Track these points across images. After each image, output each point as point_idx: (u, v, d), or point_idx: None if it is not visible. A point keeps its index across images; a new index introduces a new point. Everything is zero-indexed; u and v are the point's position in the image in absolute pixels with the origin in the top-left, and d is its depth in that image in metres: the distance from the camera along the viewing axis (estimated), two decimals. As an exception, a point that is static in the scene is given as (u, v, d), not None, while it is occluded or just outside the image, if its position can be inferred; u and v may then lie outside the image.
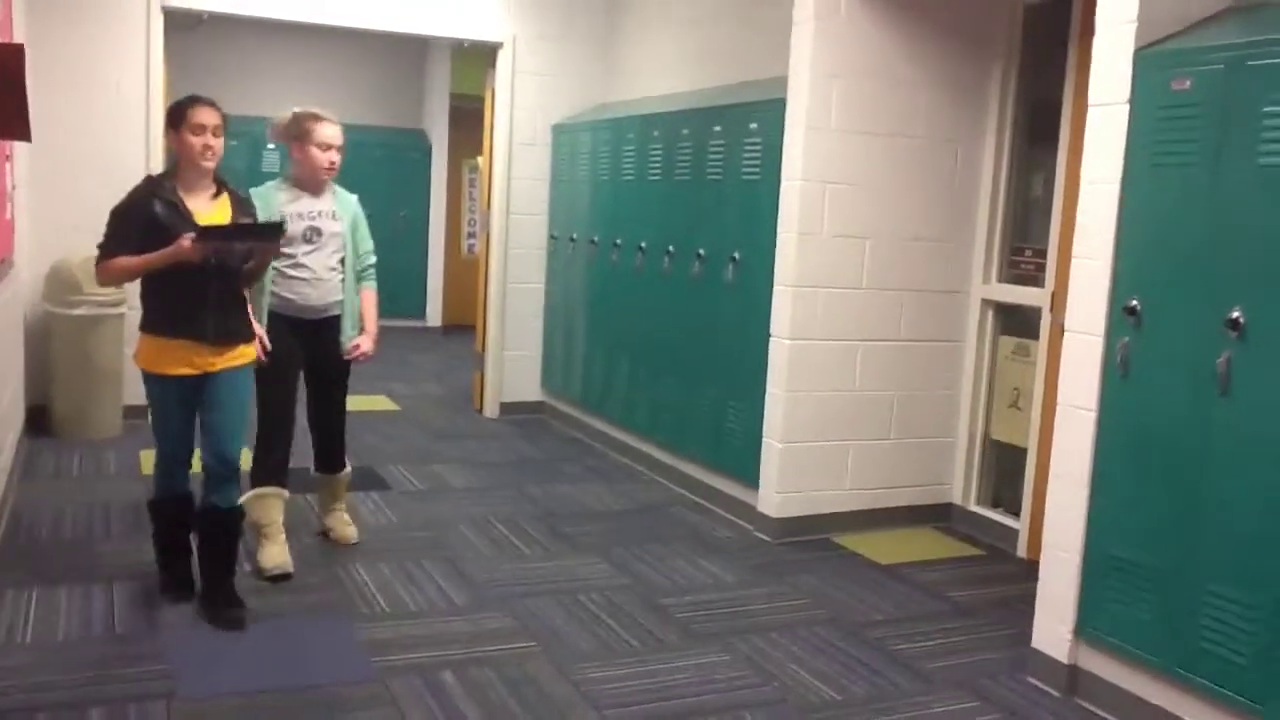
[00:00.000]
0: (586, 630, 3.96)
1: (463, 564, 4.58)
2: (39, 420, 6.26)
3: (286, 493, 4.43)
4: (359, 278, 4.52)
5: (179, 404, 3.81)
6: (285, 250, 4.17)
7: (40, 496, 5.15)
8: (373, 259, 4.57)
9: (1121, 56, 3.40)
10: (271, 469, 4.38)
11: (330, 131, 4.36)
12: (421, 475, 5.99)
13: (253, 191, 4.16)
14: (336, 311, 4.43)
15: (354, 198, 4.55)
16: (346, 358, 4.48)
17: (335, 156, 4.37)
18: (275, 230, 3.88)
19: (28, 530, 4.68)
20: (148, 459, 5.69)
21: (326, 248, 4.38)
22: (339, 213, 4.43)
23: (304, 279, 4.34)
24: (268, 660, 3.57)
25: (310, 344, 4.40)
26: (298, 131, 4.35)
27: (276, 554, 4.29)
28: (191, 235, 3.55)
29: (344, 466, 4.78)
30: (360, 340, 4.48)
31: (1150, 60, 3.34)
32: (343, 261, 4.42)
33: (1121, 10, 3.41)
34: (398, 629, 3.87)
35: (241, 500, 4.05)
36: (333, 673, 3.49)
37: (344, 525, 4.77)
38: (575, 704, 3.37)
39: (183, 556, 4.01)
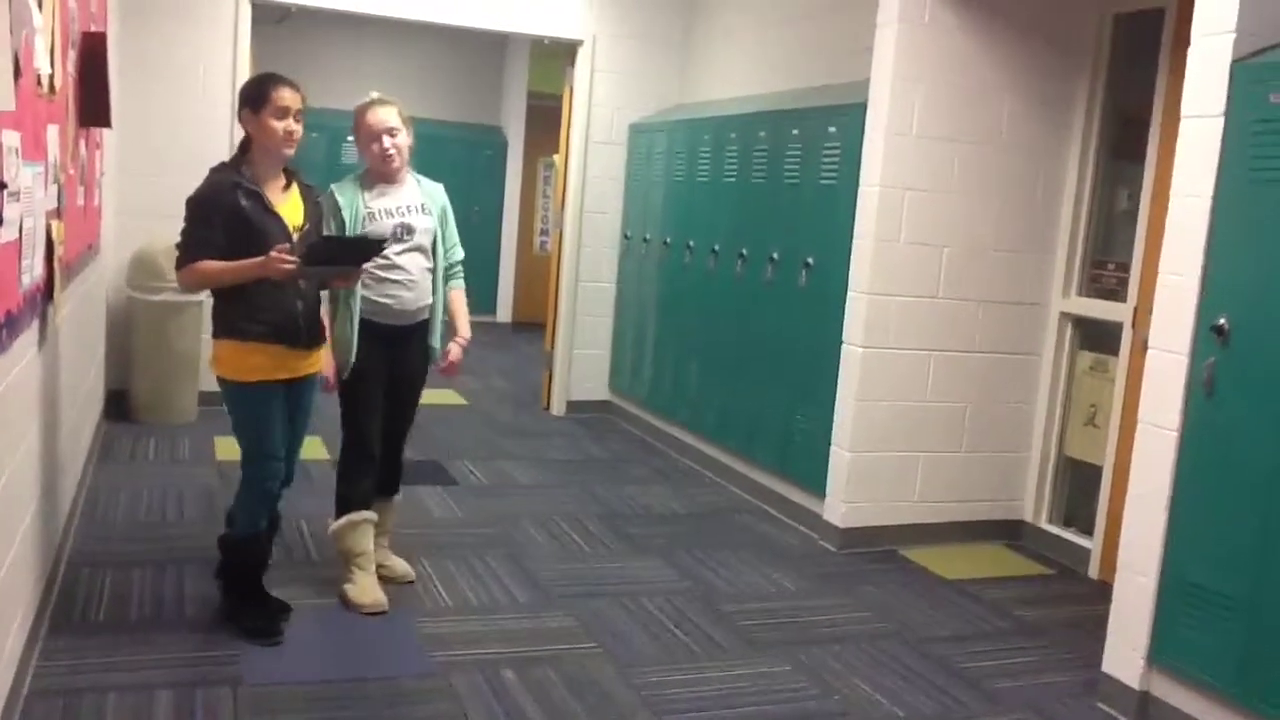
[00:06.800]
0: (648, 634, 3.94)
1: (526, 561, 4.59)
2: (118, 404, 6.40)
3: (376, 516, 4.05)
4: (447, 276, 4.09)
5: (280, 414, 3.54)
6: None
7: (117, 479, 5.25)
8: (460, 254, 4.14)
9: (1217, 68, 3.31)
10: (364, 494, 3.99)
11: (376, 116, 3.85)
12: (487, 471, 6.02)
13: (333, 187, 3.88)
14: (425, 316, 3.99)
15: (439, 187, 4.09)
16: (438, 368, 4.06)
17: (386, 142, 3.84)
18: (378, 248, 3.60)
19: (104, 512, 4.77)
20: (222, 445, 5.82)
21: (419, 245, 3.92)
22: (428, 204, 3.98)
23: (399, 281, 3.86)
24: (331, 650, 3.60)
25: (391, 353, 3.94)
26: (354, 124, 3.92)
27: (374, 589, 3.95)
28: (286, 253, 3.28)
29: (398, 491, 4.30)
30: (451, 348, 4.09)
31: (1248, 72, 3.24)
32: (434, 258, 3.99)
33: (1219, 20, 3.31)
34: (460, 624, 3.88)
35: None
36: (395, 665, 3.51)
37: (397, 561, 4.27)
38: (636, 708, 3.35)
39: (266, 602, 3.71)
